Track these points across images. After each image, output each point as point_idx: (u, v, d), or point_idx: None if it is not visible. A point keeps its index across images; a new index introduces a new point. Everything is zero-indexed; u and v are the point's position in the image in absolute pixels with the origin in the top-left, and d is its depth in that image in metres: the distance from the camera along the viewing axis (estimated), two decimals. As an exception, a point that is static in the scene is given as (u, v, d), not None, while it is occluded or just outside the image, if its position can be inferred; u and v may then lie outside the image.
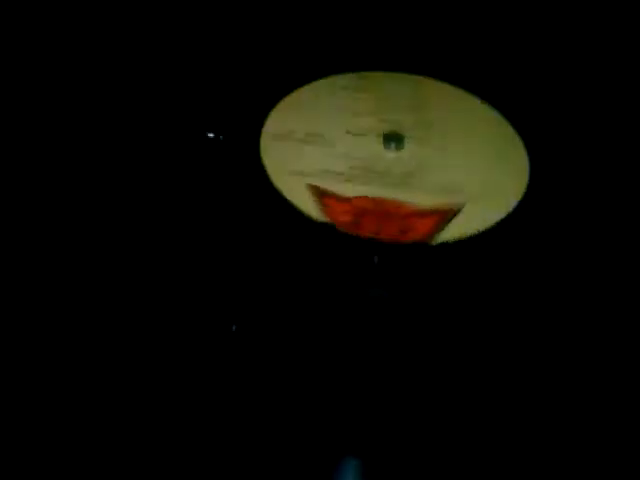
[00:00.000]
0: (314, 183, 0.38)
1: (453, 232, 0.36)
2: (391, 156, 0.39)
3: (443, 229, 0.36)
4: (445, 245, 0.35)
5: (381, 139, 0.40)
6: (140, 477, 0.29)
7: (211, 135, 0.41)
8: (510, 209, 0.37)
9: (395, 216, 0.37)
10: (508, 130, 0.41)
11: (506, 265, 0.35)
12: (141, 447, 0.30)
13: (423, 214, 0.37)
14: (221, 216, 0.38)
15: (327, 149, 0.40)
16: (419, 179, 0.38)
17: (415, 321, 0.33)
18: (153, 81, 0.44)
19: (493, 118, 0.41)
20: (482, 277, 0.35)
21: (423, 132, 0.41)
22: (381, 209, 0.37)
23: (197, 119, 0.42)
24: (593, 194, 0.39)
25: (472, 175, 0.39)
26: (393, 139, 0.40)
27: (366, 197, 0.38)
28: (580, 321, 0.34)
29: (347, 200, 0.37)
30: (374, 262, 0.34)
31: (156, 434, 0.30)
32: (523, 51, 0.46)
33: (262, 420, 0.31)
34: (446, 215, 0.37)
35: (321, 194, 0.37)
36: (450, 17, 0.48)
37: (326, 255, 0.35)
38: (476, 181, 0.38)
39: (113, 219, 0.37)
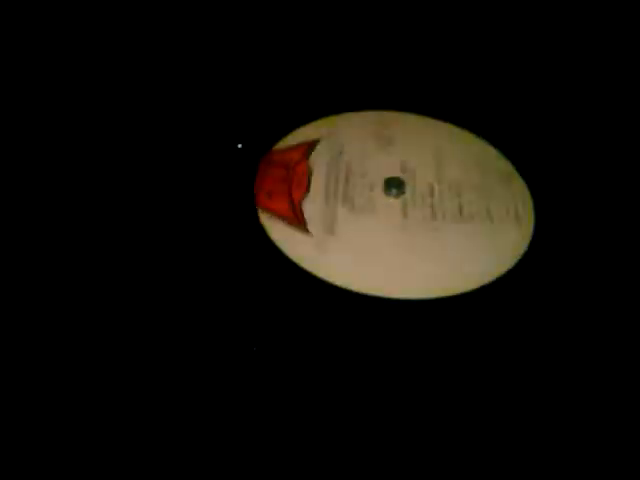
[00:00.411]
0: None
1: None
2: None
3: (277, 221, 0.37)
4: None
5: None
6: (140, 477, 0.29)
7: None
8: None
9: (285, 185, 0.39)
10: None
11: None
12: (140, 447, 0.30)
13: (292, 204, 0.38)
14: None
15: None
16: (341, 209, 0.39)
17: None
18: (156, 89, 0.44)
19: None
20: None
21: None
22: (294, 178, 0.39)
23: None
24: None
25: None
26: (394, 185, 0.40)
27: (308, 168, 0.40)
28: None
29: (302, 158, 0.40)
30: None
31: (153, 435, 0.30)
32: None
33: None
34: (295, 221, 0.37)
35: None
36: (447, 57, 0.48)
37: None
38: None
39: (110, 220, 0.37)
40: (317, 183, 0.40)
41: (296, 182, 0.40)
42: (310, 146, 0.42)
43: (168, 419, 0.30)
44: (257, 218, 0.37)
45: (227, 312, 0.34)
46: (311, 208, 0.39)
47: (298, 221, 0.38)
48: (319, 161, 0.41)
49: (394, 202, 0.40)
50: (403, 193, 0.40)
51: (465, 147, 0.43)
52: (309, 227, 0.38)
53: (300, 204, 0.39)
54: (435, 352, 0.33)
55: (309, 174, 0.40)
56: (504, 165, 0.42)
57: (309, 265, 0.36)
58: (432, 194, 0.40)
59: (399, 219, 0.39)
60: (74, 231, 0.36)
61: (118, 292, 0.34)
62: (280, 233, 0.37)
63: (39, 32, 0.45)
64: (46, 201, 0.37)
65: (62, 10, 0.46)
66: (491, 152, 0.43)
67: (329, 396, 0.32)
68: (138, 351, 0.32)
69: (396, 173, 0.41)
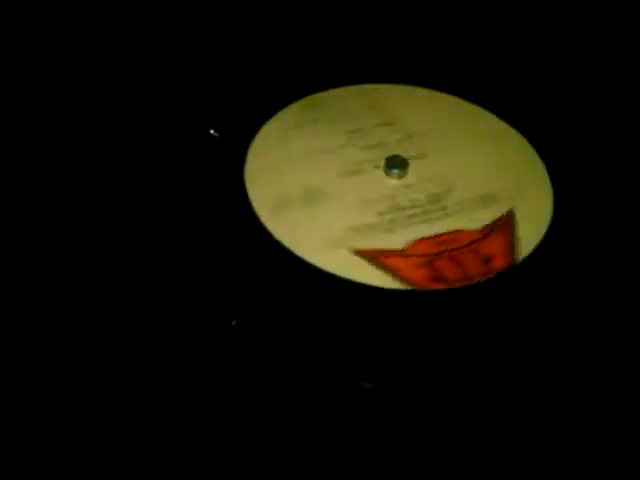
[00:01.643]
0: (358, 247, 0.33)
1: (528, 238, 0.34)
2: (400, 183, 0.37)
3: (517, 240, 0.33)
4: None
5: (377, 169, 0.37)
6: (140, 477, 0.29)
7: (213, 132, 0.39)
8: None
9: (464, 248, 0.33)
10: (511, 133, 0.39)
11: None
12: (139, 445, 0.29)
13: (485, 234, 0.34)
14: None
15: (333, 203, 0.36)
16: (448, 199, 0.36)
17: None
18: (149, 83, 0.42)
19: (491, 122, 0.40)
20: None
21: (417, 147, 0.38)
22: (445, 247, 0.33)
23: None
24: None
25: (496, 176, 0.37)
26: (397, 165, 0.37)
27: (421, 240, 0.34)
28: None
29: (406, 253, 0.33)
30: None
31: (151, 432, 0.29)
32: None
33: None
34: (507, 224, 0.34)
35: (375, 257, 0.33)
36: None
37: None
38: (505, 181, 0.36)
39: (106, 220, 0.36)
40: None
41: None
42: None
43: (164, 411, 0.30)
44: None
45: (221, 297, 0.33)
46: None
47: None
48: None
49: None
50: (405, 174, 0.37)
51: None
52: None
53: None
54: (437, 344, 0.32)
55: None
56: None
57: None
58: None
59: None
60: (69, 225, 0.36)
61: (116, 292, 0.33)
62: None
63: (36, 31, 0.44)
64: (32, 196, 0.37)
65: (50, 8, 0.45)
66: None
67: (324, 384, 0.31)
68: (135, 346, 0.31)
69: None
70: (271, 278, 0.33)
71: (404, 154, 0.37)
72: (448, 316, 0.32)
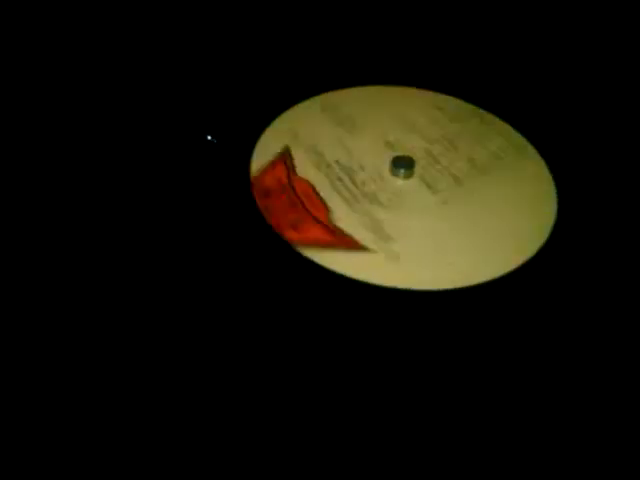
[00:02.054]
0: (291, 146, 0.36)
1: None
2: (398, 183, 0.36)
3: (327, 250, 0.33)
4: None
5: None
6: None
7: (209, 137, 0.38)
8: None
9: (303, 211, 0.34)
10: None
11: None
12: (138, 445, 0.29)
13: (324, 228, 0.34)
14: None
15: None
16: (375, 209, 0.35)
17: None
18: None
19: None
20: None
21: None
22: (303, 200, 0.35)
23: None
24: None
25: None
26: (403, 164, 0.36)
27: (308, 183, 0.36)
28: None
29: (291, 172, 0.36)
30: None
31: (151, 431, 0.29)
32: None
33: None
34: (341, 244, 0.33)
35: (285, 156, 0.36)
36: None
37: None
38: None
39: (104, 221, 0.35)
40: (327, 193, 0.35)
41: (308, 202, 0.35)
42: (284, 158, 0.37)
43: (171, 414, 0.29)
44: (298, 254, 0.33)
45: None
46: (345, 221, 0.34)
47: (345, 242, 0.34)
48: (307, 170, 0.36)
49: (413, 183, 0.36)
50: (412, 173, 0.36)
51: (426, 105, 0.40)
52: (363, 242, 0.34)
53: (332, 222, 0.34)
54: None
55: (312, 188, 0.36)
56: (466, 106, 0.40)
57: (384, 279, 0.32)
58: (437, 160, 0.37)
59: (431, 197, 0.36)
60: (73, 225, 0.35)
61: (120, 295, 0.33)
62: (337, 260, 0.33)
63: (35, 32, 0.44)
64: (35, 201, 0.36)
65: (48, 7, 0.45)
66: (449, 100, 0.40)
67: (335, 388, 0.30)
68: (140, 349, 0.31)
69: (384, 152, 0.37)
70: (274, 273, 0.33)
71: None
72: (449, 318, 0.32)
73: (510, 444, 0.29)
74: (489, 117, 0.40)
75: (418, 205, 0.35)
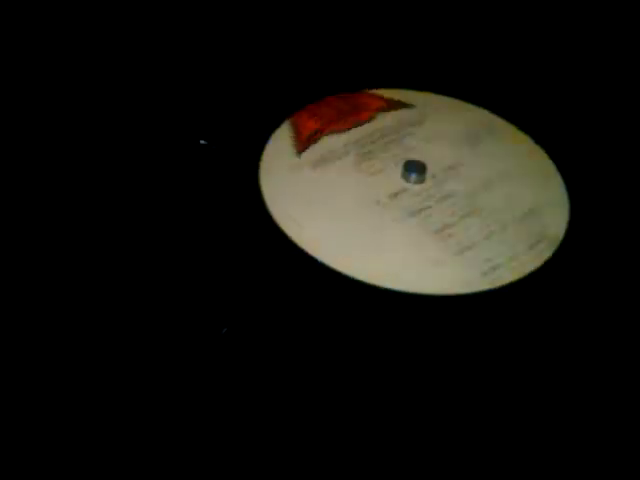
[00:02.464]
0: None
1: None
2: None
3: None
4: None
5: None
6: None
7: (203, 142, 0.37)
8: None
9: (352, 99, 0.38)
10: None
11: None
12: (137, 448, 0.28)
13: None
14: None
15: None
16: None
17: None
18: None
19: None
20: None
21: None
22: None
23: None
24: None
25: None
26: (414, 169, 0.35)
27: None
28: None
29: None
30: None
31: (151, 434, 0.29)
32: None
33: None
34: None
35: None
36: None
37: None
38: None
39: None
40: (359, 130, 0.37)
41: (343, 120, 0.37)
42: (394, 105, 0.38)
43: (173, 412, 0.29)
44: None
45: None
46: (327, 142, 0.36)
47: (303, 144, 0.36)
48: (386, 118, 0.38)
49: (400, 182, 0.35)
50: (422, 181, 0.35)
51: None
52: (305, 153, 0.36)
53: (321, 133, 0.36)
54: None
55: (363, 122, 0.37)
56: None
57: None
58: (440, 201, 0.35)
59: (384, 197, 0.35)
60: (81, 224, 0.35)
61: (132, 300, 0.32)
62: (276, 144, 0.36)
63: (36, 32, 0.43)
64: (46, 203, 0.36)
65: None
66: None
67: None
68: (141, 348, 0.31)
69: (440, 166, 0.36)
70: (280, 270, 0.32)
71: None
72: (455, 324, 0.31)
73: (514, 451, 0.28)
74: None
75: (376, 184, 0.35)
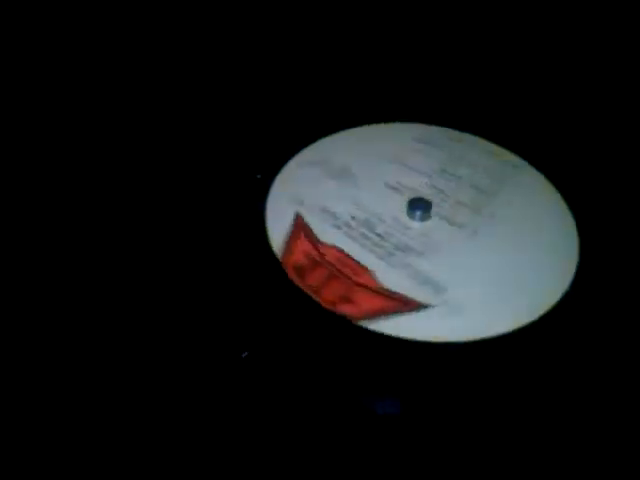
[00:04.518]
0: (302, 213, 0.35)
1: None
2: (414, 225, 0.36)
3: (387, 318, 0.32)
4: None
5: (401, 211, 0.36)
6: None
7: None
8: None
9: (347, 281, 0.33)
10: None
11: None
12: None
13: (377, 293, 0.33)
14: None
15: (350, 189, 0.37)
16: (414, 259, 0.34)
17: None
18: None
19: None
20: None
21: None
22: (340, 268, 0.33)
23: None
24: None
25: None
26: (420, 207, 0.36)
27: (335, 248, 0.34)
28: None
29: (315, 243, 0.34)
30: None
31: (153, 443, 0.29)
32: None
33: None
34: (400, 306, 0.32)
35: (301, 226, 0.35)
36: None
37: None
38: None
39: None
40: (359, 254, 0.34)
41: (346, 269, 0.34)
42: (301, 229, 0.35)
43: (172, 425, 0.30)
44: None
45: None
46: (393, 282, 0.33)
47: (404, 304, 0.32)
48: (329, 234, 0.35)
49: (434, 222, 0.36)
50: (429, 217, 0.35)
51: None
52: (420, 300, 0.33)
53: (381, 286, 0.33)
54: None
55: (342, 252, 0.34)
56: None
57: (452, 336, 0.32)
58: (445, 193, 0.36)
59: (459, 232, 0.35)
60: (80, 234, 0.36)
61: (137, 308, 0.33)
62: (399, 325, 0.32)
63: (39, 32, 0.44)
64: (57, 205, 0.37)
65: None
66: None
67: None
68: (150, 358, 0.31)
69: (392, 197, 0.37)
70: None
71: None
72: (464, 371, 0.32)
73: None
74: (466, 137, 0.40)
75: (452, 244, 0.35)
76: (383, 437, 0.30)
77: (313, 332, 0.32)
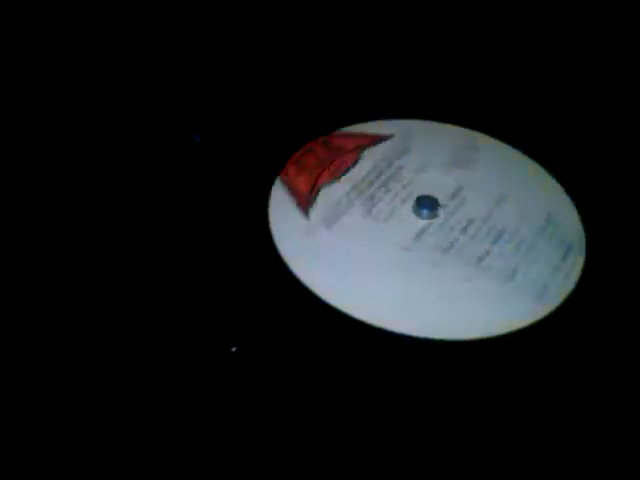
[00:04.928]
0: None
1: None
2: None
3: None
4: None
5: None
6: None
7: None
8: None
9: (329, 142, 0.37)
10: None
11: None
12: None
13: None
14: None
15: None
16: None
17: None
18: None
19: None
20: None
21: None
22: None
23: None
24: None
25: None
26: (426, 205, 0.34)
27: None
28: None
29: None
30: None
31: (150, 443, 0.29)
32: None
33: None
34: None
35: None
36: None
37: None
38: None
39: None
40: (352, 175, 0.36)
41: (330, 167, 0.36)
42: (372, 140, 0.38)
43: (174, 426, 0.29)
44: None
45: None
46: (327, 195, 0.35)
47: (305, 202, 0.35)
48: (372, 155, 0.37)
49: (416, 221, 0.35)
50: (435, 217, 0.34)
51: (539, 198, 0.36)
52: (311, 211, 0.34)
53: (317, 187, 0.35)
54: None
55: (352, 165, 0.37)
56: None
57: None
58: (464, 231, 0.34)
59: (409, 240, 0.34)
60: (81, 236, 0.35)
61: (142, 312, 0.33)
62: (280, 208, 0.34)
63: (39, 32, 0.44)
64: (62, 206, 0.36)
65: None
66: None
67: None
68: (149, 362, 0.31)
69: (444, 195, 0.36)
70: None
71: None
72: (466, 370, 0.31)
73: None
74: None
75: (391, 234, 0.34)
76: (383, 437, 0.29)
77: (313, 328, 0.31)
